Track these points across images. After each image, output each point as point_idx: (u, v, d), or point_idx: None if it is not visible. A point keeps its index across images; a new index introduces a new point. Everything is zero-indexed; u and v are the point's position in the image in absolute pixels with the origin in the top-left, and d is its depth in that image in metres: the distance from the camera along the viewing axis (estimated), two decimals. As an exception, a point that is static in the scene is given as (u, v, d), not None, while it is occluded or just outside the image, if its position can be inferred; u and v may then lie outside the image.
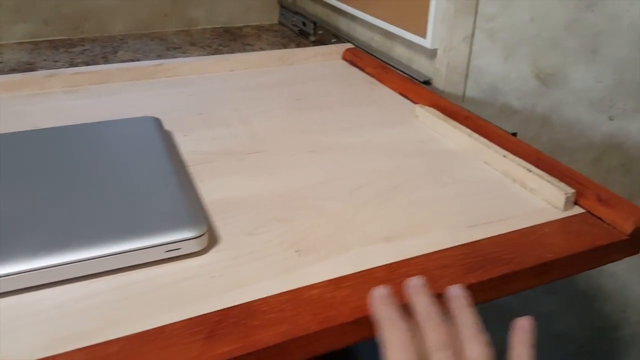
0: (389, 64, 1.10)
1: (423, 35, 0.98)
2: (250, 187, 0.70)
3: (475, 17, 0.90)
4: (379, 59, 1.13)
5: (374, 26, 1.16)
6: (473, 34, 0.92)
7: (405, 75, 1.04)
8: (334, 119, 0.89)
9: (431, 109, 0.88)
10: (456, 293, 0.49)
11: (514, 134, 0.82)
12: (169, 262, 0.55)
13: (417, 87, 0.98)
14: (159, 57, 1.30)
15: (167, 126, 0.84)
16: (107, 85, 1.01)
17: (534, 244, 0.59)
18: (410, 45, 1.05)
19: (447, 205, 0.67)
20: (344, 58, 1.19)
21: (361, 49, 1.19)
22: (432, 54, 0.99)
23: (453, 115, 0.86)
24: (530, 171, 0.69)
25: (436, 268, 0.55)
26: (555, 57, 0.86)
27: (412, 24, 1.01)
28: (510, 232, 0.61)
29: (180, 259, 0.55)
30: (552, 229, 0.61)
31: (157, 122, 0.79)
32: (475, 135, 0.79)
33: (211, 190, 0.68)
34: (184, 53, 1.33)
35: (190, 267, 0.55)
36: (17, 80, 0.97)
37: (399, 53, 1.11)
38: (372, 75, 1.09)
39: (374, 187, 0.70)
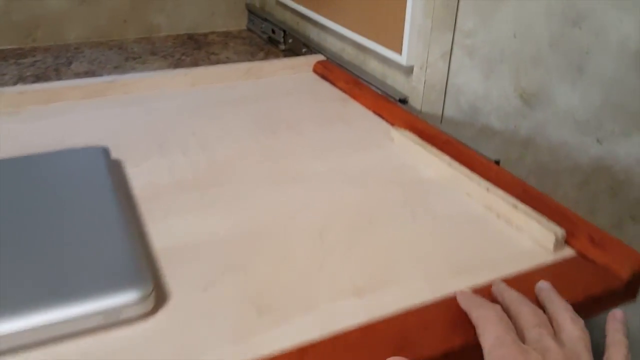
0: (362, 79, 1.03)
1: (398, 50, 0.91)
2: (207, 229, 0.62)
3: (454, 32, 0.84)
4: (351, 72, 1.06)
5: (345, 37, 1.09)
6: (451, 51, 0.86)
7: (380, 92, 0.97)
8: (303, 142, 0.82)
9: (407, 132, 0.81)
10: (545, 286, 0.51)
11: (497, 162, 0.76)
12: (110, 328, 0.48)
13: (392, 106, 0.91)
14: (117, 68, 1.21)
15: (119, 154, 0.76)
16: (55, 105, 0.92)
17: (524, 293, 0.52)
18: (384, 59, 0.99)
19: (427, 247, 0.60)
20: (315, 71, 1.11)
21: (332, 61, 1.12)
22: (408, 70, 0.93)
23: (431, 139, 0.80)
24: (516, 207, 0.64)
25: (417, 328, 0.49)
26: (539, 75, 0.81)
27: (386, 38, 0.95)
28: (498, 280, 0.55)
29: (123, 325, 0.48)
30: (542, 277, 0.55)
31: (105, 153, 0.71)
32: (456, 164, 0.73)
33: (163, 233, 0.61)
34: (144, 64, 1.24)
35: (133, 334, 0.48)
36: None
37: (373, 67, 1.04)
38: (344, 91, 1.01)
39: (345, 226, 0.63)
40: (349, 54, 1.12)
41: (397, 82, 0.97)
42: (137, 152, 0.78)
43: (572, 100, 0.82)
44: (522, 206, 0.64)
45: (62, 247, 0.53)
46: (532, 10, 0.78)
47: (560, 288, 0.54)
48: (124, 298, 0.47)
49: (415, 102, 0.92)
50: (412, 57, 0.90)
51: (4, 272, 0.49)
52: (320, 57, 1.14)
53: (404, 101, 0.95)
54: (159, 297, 0.51)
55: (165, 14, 1.44)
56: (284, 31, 1.34)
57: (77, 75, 1.17)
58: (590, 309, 0.55)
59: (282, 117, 0.91)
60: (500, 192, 0.67)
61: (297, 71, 1.12)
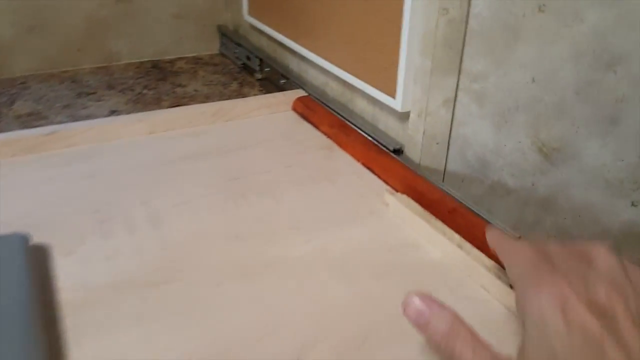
0: (348, 121, 0.88)
1: (391, 94, 0.77)
2: (151, 354, 0.47)
3: (459, 76, 0.70)
4: (336, 112, 0.91)
5: (328, 71, 0.94)
6: (456, 97, 0.72)
7: (370, 139, 0.83)
8: (279, 212, 0.67)
9: (405, 197, 0.66)
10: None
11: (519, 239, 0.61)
12: None
13: (385, 159, 0.77)
14: (66, 107, 1.05)
15: (47, 236, 0.60)
16: None
17: None
18: (373, 100, 0.84)
19: None
20: (295, 109, 0.96)
21: (315, 98, 0.97)
22: (403, 116, 0.79)
23: (434, 206, 0.65)
24: None
25: None
26: (562, 128, 0.67)
27: (377, 77, 0.80)
28: None
29: None
30: None
31: (23, 242, 0.55)
32: (467, 245, 0.58)
33: None
34: (98, 101, 1.08)
35: None
36: None
37: (362, 107, 0.90)
38: (328, 136, 0.86)
39: (334, 344, 0.48)
40: (333, 89, 0.97)
41: (391, 128, 0.83)
42: (70, 232, 0.62)
43: (602, 157, 0.68)
44: None
45: None
46: (555, 52, 0.64)
47: None
48: None
49: (413, 153, 0.78)
50: (408, 102, 0.75)
51: None
52: (300, 93, 1.00)
53: (398, 151, 0.80)
54: None
55: (126, 39, 1.28)
56: (260, 59, 1.20)
57: (19, 117, 1.01)
58: None
59: (254, 176, 0.75)
60: None
61: (274, 110, 0.96)
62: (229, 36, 1.34)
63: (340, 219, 0.66)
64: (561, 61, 0.64)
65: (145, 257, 0.58)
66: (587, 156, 0.68)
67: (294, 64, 1.11)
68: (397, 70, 0.74)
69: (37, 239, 0.59)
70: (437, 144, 0.75)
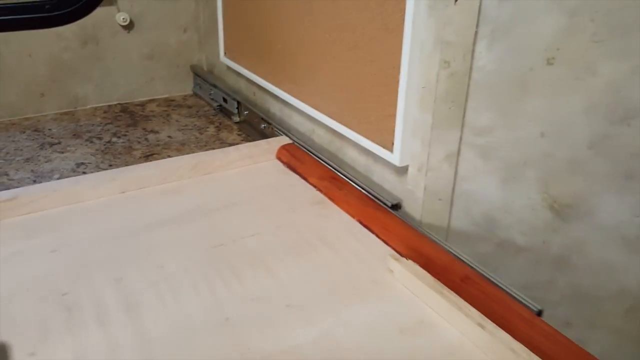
0: (339, 172, 0.83)
1: (388, 147, 0.71)
2: None
3: (462, 130, 0.65)
4: (325, 163, 0.85)
5: (315, 118, 0.89)
6: (459, 151, 0.66)
7: (364, 192, 0.77)
8: (273, 290, 0.59)
9: (411, 263, 0.60)
10: None
11: (540, 313, 0.56)
12: None
13: (384, 217, 0.71)
14: (28, 161, 0.96)
15: (7, 331, 0.52)
16: None
17: None
18: (367, 151, 0.79)
19: None
20: (279, 158, 0.90)
21: (301, 145, 0.91)
22: (400, 170, 0.73)
23: (444, 273, 0.59)
24: None
25: None
26: (575, 184, 0.63)
27: (370, 128, 0.75)
28: None
29: None
30: None
31: None
32: (489, 324, 0.52)
33: None
34: (64, 152, 1.00)
35: None
36: None
37: (353, 157, 0.84)
38: (319, 189, 0.80)
39: None
40: (321, 137, 0.92)
41: (387, 182, 0.77)
42: (33, 326, 0.53)
43: (618, 213, 0.64)
44: None
45: None
46: (566, 105, 0.60)
47: None
48: None
49: (413, 209, 0.72)
50: (406, 156, 0.70)
51: None
52: (284, 140, 0.93)
53: (396, 207, 0.75)
54: None
55: (93, 82, 1.20)
56: (238, 101, 1.13)
57: (-24, 174, 0.92)
58: None
59: (242, 240, 0.68)
60: None
61: (258, 160, 0.89)
62: (203, 77, 1.27)
63: (342, 294, 0.59)
64: (573, 115, 0.60)
65: (120, 357, 0.50)
66: (603, 212, 0.64)
67: (275, 109, 1.05)
68: (394, 122, 0.69)
69: None
70: (440, 200, 0.70)
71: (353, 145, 0.83)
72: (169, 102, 1.28)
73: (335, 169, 0.84)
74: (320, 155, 0.87)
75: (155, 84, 1.28)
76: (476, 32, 0.59)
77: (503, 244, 0.69)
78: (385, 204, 0.75)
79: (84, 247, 0.66)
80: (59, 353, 0.50)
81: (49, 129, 1.10)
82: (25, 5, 1.08)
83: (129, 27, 1.19)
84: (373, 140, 0.75)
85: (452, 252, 0.64)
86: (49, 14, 1.10)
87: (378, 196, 0.76)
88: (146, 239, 0.68)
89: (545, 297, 0.69)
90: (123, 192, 0.78)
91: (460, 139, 0.66)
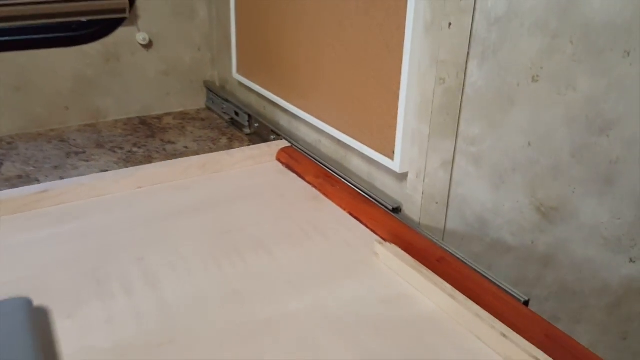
0: (342, 178, 0.90)
1: (389, 155, 0.79)
2: None
3: (456, 139, 0.72)
4: (329, 169, 0.93)
5: (321, 129, 0.96)
6: (454, 159, 0.74)
7: (368, 197, 0.84)
8: (272, 268, 0.68)
9: (394, 246, 0.68)
10: None
11: (527, 302, 0.63)
12: None
13: (372, 209, 0.80)
14: (56, 168, 1.04)
15: (47, 299, 0.60)
16: None
17: None
18: (369, 159, 0.86)
19: None
20: (279, 159, 0.99)
21: (298, 147, 1.00)
22: (401, 176, 0.80)
23: (422, 254, 0.67)
24: None
25: None
26: (559, 188, 0.70)
27: (373, 138, 0.82)
28: None
29: None
30: None
31: (25, 306, 0.55)
32: (459, 295, 0.59)
33: None
34: (88, 160, 1.08)
35: None
36: None
37: (357, 165, 0.91)
38: (314, 186, 0.89)
39: None
40: (327, 147, 0.99)
41: (388, 187, 0.84)
42: (69, 295, 0.62)
43: (599, 215, 0.71)
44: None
45: None
46: (549, 117, 0.67)
47: None
48: None
49: (412, 212, 0.79)
50: (406, 163, 0.77)
51: None
52: (284, 144, 1.02)
53: (397, 210, 0.82)
54: None
55: (114, 97, 1.28)
56: (249, 114, 1.21)
57: (8, 180, 0.99)
58: None
59: (246, 229, 0.76)
60: (520, 339, 0.53)
61: (259, 161, 0.98)
62: (216, 92, 1.35)
63: (332, 272, 0.67)
64: (556, 126, 0.67)
65: (144, 319, 0.58)
66: (585, 215, 0.70)
67: (284, 121, 1.12)
68: (394, 133, 0.76)
69: (37, 302, 0.59)
70: (436, 203, 0.76)
71: (357, 154, 0.90)
72: (183, 115, 1.36)
73: (339, 176, 0.91)
74: (325, 162, 0.95)
75: (171, 98, 1.35)
76: (468, 53, 0.66)
77: (494, 243, 0.76)
78: (386, 207, 0.82)
79: (109, 233, 0.75)
80: (91, 316, 0.58)
81: (74, 140, 1.17)
82: (54, 25, 1.16)
83: (148, 45, 1.27)
84: (375, 149, 0.82)
85: (429, 237, 0.73)
86: (76, 34, 1.18)
87: (380, 200, 0.83)
88: (162, 226, 0.76)
89: (533, 292, 0.75)
90: (140, 188, 0.88)
91: (455, 147, 0.73)
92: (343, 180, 0.89)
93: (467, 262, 0.67)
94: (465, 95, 0.69)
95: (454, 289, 0.60)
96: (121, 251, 0.70)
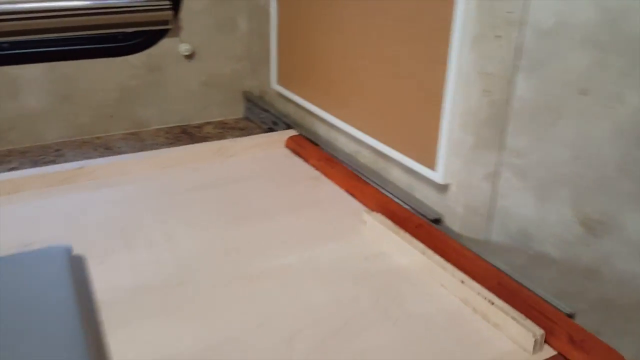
0: (381, 188, 0.91)
1: (431, 166, 0.79)
2: (168, 340, 0.57)
3: (501, 151, 0.72)
4: (371, 181, 0.94)
5: (360, 140, 0.97)
6: (498, 171, 0.74)
7: (406, 207, 0.85)
8: (273, 230, 0.79)
9: (380, 215, 0.79)
10: None
11: (572, 316, 0.62)
12: None
13: (364, 186, 0.90)
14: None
15: (84, 249, 0.72)
16: (19, 195, 0.87)
17: None
18: (410, 171, 0.87)
19: (401, 354, 0.56)
20: (287, 146, 1.11)
21: (304, 136, 1.10)
22: (442, 187, 0.81)
23: (404, 222, 0.77)
24: (493, 303, 0.61)
25: None
26: (605, 202, 0.69)
27: (414, 149, 0.83)
28: None
29: None
30: None
31: (66, 252, 0.65)
32: (429, 252, 0.70)
33: (122, 347, 0.55)
34: (133, 168, 1.11)
35: None
36: None
37: (396, 176, 0.92)
38: (316, 168, 1.01)
39: (316, 332, 0.59)
40: (366, 157, 1.00)
41: (428, 198, 0.85)
42: (102, 246, 0.74)
43: (646, 230, 0.70)
44: (499, 302, 0.62)
45: None
46: (596, 130, 0.67)
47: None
48: None
49: (452, 223, 0.79)
50: (448, 175, 0.78)
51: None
52: (292, 132, 1.14)
53: (437, 221, 0.82)
54: None
55: (156, 106, 1.31)
56: (287, 124, 1.23)
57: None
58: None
59: (252, 201, 0.88)
60: (476, 285, 0.64)
61: (270, 147, 1.10)
62: (254, 102, 1.38)
63: (324, 235, 0.78)
64: (603, 140, 0.66)
65: (162, 266, 0.69)
66: (631, 229, 0.70)
67: (322, 130, 1.14)
68: (437, 144, 0.77)
69: (75, 251, 0.71)
70: (479, 215, 0.77)
71: (397, 165, 0.91)
72: (222, 124, 1.38)
73: (378, 185, 0.92)
74: (362, 172, 0.96)
75: (211, 108, 1.38)
76: (515, 65, 0.67)
77: (537, 256, 0.75)
78: (427, 218, 0.82)
79: (135, 202, 0.87)
80: (119, 263, 0.69)
81: (119, 147, 1.21)
82: (101, 36, 1.20)
83: (190, 56, 1.30)
84: (417, 160, 0.83)
85: (412, 209, 0.83)
86: (121, 44, 1.22)
87: (420, 211, 0.84)
88: (180, 198, 0.89)
89: (575, 306, 0.74)
90: (163, 168, 0.99)
91: (499, 159, 0.73)
92: (381, 190, 0.90)
93: (443, 229, 0.78)
94: (511, 107, 0.70)
95: (425, 247, 0.71)
96: (145, 216, 0.82)
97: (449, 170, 0.77)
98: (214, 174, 0.96)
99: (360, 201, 0.86)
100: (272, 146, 1.09)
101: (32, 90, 1.18)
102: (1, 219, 0.79)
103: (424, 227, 0.75)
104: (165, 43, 1.27)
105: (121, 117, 1.28)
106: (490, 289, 0.63)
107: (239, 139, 1.06)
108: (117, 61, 1.24)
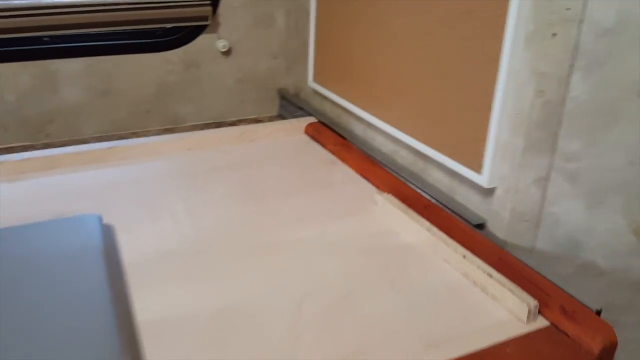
0: (421, 189, 0.88)
1: (476, 169, 0.77)
2: (189, 300, 0.62)
3: (553, 155, 0.70)
4: (406, 180, 0.91)
5: (399, 140, 0.95)
6: (548, 176, 0.71)
7: (448, 211, 0.82)
8: (287, 208, 0.84)
9: (390, 196, 0.83)
10: None
11: (599, 313, 0.60)
12: None
13: (377, 169, 0.94)
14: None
15: (113, 219, 0.78)
16: (55, 172, 0.93)
17: None
18: (452, 173, 0.84)
19: (403, 319, 0.60)
20: (306, 132, 1.16)
21: (322, 123, 1.15)
22: (486, 191, 0.78)
23: (413, 203, 0.81)
24: (491, 276, 0.64)
25: None
26: (662, 211, 0.66)
27: (458, 150, 0.80)
28: (469, 355, 0.56)
29: None
30: (514, 349, 0.57)
31: (98, 220, 0.73)
32: (434, 229, 0.74)
33: (146, 305, 0.61)
34: (169, 164, 1.10)
35: None
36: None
37: (436, 178, 0.89)
38: (332, 153, 1.05)
39: (324, 298, 0.63)
40: (404, 157, 0.98)
41: (471, 202, 0.82)
42: (130, 218, 0.79)
43: None
44: (497, 275, 0.65)
45: (48, 320, 0.54)
46: (657, 134, 0.64)
47: (532, 361, 0.52)
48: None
49: (497, 229, 0.77)
50: (495, 178, 0.75)
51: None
52: (311, 120, 1.19)
53: (481, 226, 0.79)
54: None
55: (192, 103, 1.31)
56: (322, 123, 1.21)
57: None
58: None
59: (269, 183, 0.92)
60: (477, 260, 0.68)
61: (290, 133, 1.15)
62: (289, 99, 1.36)
63: (336, 213, 0.82)
64: (663, 144, 0.63)
65: (184, 236, 0.75)
66: (689, 240, 0.66)
67: (359, 130, 1.12)
68: (484, 146, 0.74)
69: (105, 221, 0.77)
70: (526, 221, 0.74)
71: (437, 166, 0.88)
72: (256, 121, 1.37)
73: (419, 188, 0.89)
74: (401, 173, 0.94)
75: (245, 105, 1.38)
76: (572, 65, 0.64)
77: (585, 265, 0.72)
78: (470, 222, 0.80)
79: (162, 179, 0.93)
80: (145, 232, 0.76)
81: (154, 143, 1.21)
82: (140, 32, 1.21)
83: (227, 53, 1.29)
84: (460, 162, 0.80)
85: (420, 191, 0.87)
86: (160, 40, 1.23)
87: (462, 215, 0.81)
88: (203, 177, 0.94)
89: (621, 319, 0.71)
90: (189, 149, 1.05)
91: (550, 163, 0.70)
92: (419, 191, 0.88)
93: (450, 208, 0.83)
94: (565, 109, 0.67)
95: (431, 225, 0.75)
96: (170, 192, 0.88)
97: (495, 174, 0.75)
98: (235, 157, 1.02)
99: (373, 184, 0.92)
100: (291, 132, 1.14)
101: (71, 85, 1.19)
102: (38, 191, 0.87)
103: (432, 208, 0.80)
104: (202, 39, 1.26)
105: (158, 113, 1.28)
106: (491, 264, 0.67)
107: (260, 125, 1.12)
108: (155, 57, 1.24)
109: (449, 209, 0.83)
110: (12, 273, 0.60)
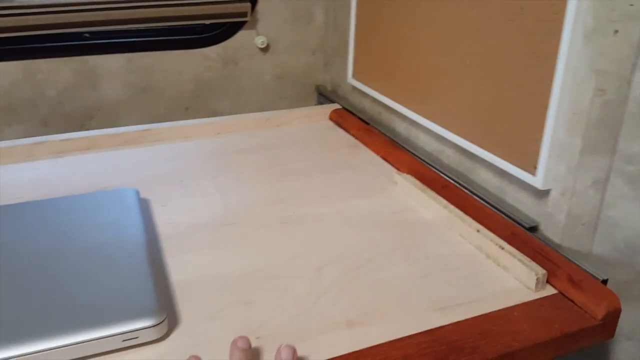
0: (470, 192, 0.86)
1: (530, 170, 0.74)
2: (218, 264, 0.68)
3: (612, 157, 0.66)
4: (455, 181, 0.89)
5: (444, 138, 0.92)
6: (607, 178, 0.68)
7: (497, 212, 0.80)
8: (310, 186, 0.89)
9: (410, 176, 0.88)
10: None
11: (605, 282, 0.58)
12: (127, 350, 0.53)
13: (398, 152, 0.99)
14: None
15: (149, 194, 0.85)
16: (95, 152, 1.01)
17: (501, 331, 0.57)
18: (502, 173, 0.82)
19: (417, 286, 0.64)
20: (331, 118, 1.20)
21: (346, 109, 1.19)
22: (540, 193, 0.75)
23: (432, 183, 0.85)
24: (503, 248, 0.68)
25: (398, 358, 0.53)
26: None
27: (510, 150, 0.77)
28: (477, 317, 0.59)
29: (139, 347, 0.54)
30: (521, 313, 0.59)
31: (135, 193, 0.79)
32: (451, 207, 0.78)
33: (180, 267, 0.67)
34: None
35: (148, 356, 0.53)
36: (3, 149, 0.96)
37: (485, 178, 0.87)
38: (356, 137, 1.10)
39: (343, 265, 0.68)
40: (449, 157, 0.95)
41: (522, 203, 0.79)
42: (164, 194, 0.86)
43: None
44: (508, 247, 0.68)
45: (93, 280, 0.59)
46: None
47: (539, 325, 0.57)
48: (141, 323, 0.53)
49: (552, 232, 0.74)
50: (549, 180, 0.72)
51: (42, 301, 0.56)
52: (336, 106, 1.23)
53: (534, 229, 0.77)
54: (171, 324, 0.57)
55: (230, 99, 1.31)
56: (362, 120, 1.19)
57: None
58: (566, 345, 0.57)
59: (294, 163, 0.98)
60: (490, 234, 0.71)
61: (314, 119, 1.20)
62: (327, 96, 1.35)
63: (357, 192, 0.88)
64: None
65: (214, 210, 0.82)
66: None
67: (401, 128, 1.09)
68: (539, 146, 0.71)
69: (142, 195, 0.83)
70: (583, 225, 0.71)
71: (486, 166, 0.86)
72: (294, 119, 1.36)
73: (467, 189, 0.87)
74: (446, 173, 0.92)
75: (282, 102, 1.37)
76: (635, 63, 0.61)
77: (647, 272, 0.69)
78: (522, 225, 0.77)
79: (193, 160, 0.99)
80: (178, 206, 0.83)
81: (192, 140, 1.22)
82: (179, 28, 1.21)
83: (265, 49, 1.29)
84: (512, 162, 0.77)
85: (439, 172, 0.92)
86: (199, 36, 1.22)
87: (514, 217, 0.78)
88: (231, 158, 1.00)
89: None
90: (218, 133, 1.10)
91: (609, 165, 0.67)
92: (467, 192, 0.85)
93: (467, 189, 0.87)
94: (628, 109, 0.64)
95: (448, 203, 0.79)
96: (200, 171, 0.94)
97: (551, 175, 0.72)
98: (261, 140, 1.08)
99: (394, 165, 0.97)
100: (316, 118, 1.19)
101: (110, 81, 1.20)
102: (78, 168, 0.93)
103: (450, 188, 0.85)
104: (241, 35, 1.26)
105: (196, 109, 1.28)
106: (503, 237, 0.70)
107: (285, 111, 1.17)
108: (193, 53, 1.24)
109: (499, 210, 0.81)
110: (59, 237, 0.67)
